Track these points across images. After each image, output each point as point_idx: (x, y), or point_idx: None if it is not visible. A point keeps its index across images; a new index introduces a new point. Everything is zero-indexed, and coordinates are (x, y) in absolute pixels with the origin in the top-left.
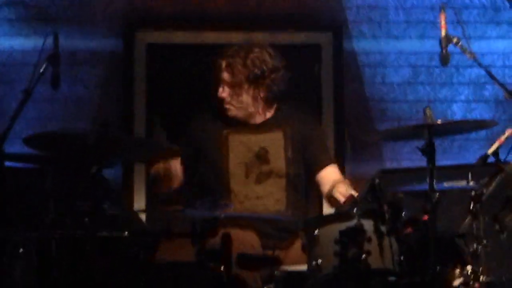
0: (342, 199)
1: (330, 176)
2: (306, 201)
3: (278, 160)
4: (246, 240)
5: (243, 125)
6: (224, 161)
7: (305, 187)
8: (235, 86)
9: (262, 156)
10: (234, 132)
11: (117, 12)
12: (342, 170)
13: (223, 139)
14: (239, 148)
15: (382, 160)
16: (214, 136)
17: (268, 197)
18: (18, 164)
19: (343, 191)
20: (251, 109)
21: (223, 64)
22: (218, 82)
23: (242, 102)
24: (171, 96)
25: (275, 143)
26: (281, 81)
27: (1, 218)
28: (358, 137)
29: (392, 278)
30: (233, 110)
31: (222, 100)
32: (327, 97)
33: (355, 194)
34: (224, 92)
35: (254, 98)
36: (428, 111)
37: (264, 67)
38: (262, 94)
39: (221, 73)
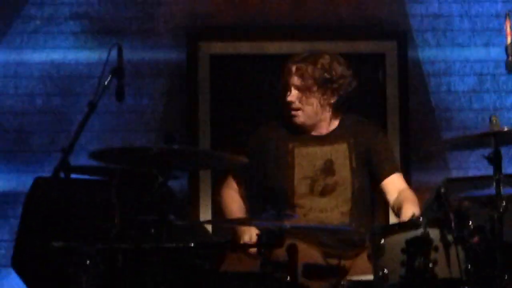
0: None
1: (395, 184)
2: (371, 213)
3: (343, 171)
4: (311, 251)
5: (308, 137)
6: (289, 176)
7: (370, 198)
8: (304, 90)
9: (327, 169)
10: (299, 145)
11: (180, 23)
12: (408, 179)
13: (289, 153)
14: (304, 162)
15: (448, 169)
16: (280, 150)
17: (333, 210)
18: (84, 176)
19: (409, 215)
20: (318, 116)
21: (293, 68)
22: (287, 87)
23: (310, 108)
24: (236, 107)
25: (340, 155)
26: (349, 88)
27: (67, 230)
28: (424, 146)
29: None
30: (301, 117)
31: (289, 106)
32: (392, 106)
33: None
34: (292, 96)
35: (322, 104)
36: (494, 119)
37: (334, 73)
38: (330, 100)
39: (291, 77)
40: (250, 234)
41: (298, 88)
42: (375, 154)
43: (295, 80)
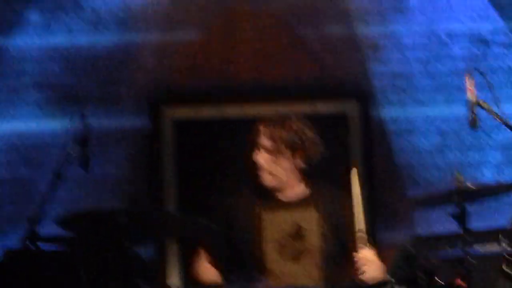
0: None
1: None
2: (343, 275)
3: (313, 237)
4: None
5: (275, 201)
6: (258, 240)
7: (345, 260)
8: (273, 152)
9: (296, 234)
10: (267, 209)
11: (142, 89)
12: (373, 237)
13: (256, 217)
14: (272, 226)
15: (413, 226)
16: (247, 214)
17: (304, 276)
18: (52, 246)
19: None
20: (286, 179)
21: (264, 130)
22: (255, 147)
23: (278, 170)
24: (201, 171)
25: (309, 221)
26: (317, 152)
27: None
28: (389, 204)
29: None
30: (268, 179)
31: (257, 166)
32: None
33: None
34: (262, 158)
35: (291, 167)
36: (458, 176)
37: (303, 137)
38: (299, 165)
39: (260, 139)
40: None
41: (268, 150)
42: (349, 223)
43: (265, 142)
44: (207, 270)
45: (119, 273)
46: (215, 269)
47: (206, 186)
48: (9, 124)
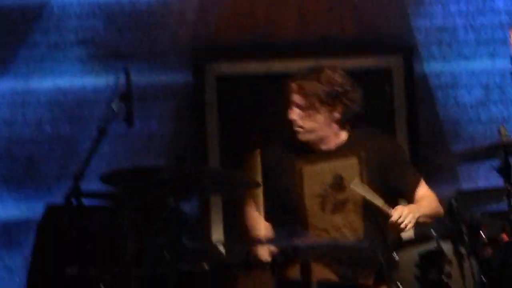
0: None
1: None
2: (385, 227)
3: None
4: (325, 271)
5: (315, 153)
6: (299, 196)
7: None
8: (306, 108)
9: (337, 185)
10: (307, 163)
11: (186, 45)
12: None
13: (297, 173)
14: (313, 180)
15: (458, 181)
16: (287, 171)
17: (346, 227)
18: (96, 202)
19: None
20: (323, 132)
21: (294, 86)
22: (289, 105)
23: (314, 125)
24: (244, 128)
25: (349, 170)
26: (353, 102)
27: (81, 256)
28: (433, 159)
29: None
30: (305, 134)
31: (292, 123)
32: (401, 121)
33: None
34: (295, 114)
35: (326, 121)
36: (503, 130)
37: (337, 88)
38: (334, 116)
39: (292, 96)
40: (264, 253)
41: (300, 106)
42: (393, 171)
43: (297, 98)
44: (259, 223)
45: (162, 230)
46: (265, 221)
47: (249, 143)
48: (52, 81)
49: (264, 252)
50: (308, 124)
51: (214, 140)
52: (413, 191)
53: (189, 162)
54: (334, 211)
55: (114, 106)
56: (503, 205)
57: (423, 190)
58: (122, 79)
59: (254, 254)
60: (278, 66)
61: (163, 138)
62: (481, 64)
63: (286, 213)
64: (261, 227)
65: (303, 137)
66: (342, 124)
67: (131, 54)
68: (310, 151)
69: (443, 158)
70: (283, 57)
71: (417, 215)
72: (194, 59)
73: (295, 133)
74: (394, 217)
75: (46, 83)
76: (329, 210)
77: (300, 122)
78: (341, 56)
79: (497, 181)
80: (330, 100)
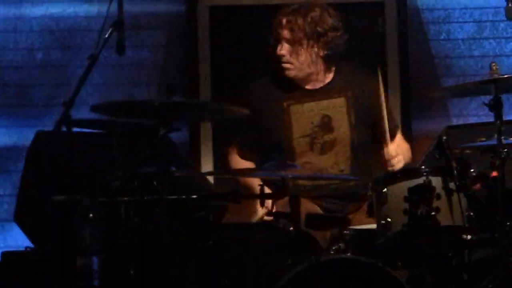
0: None
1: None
2: (372, 168)
3: (342, 127)
4: (313, 205)
5: (303, 92)
6: (287, 135)
7: (371, 154)
8: (294, 43)
9: (325, 125)
10: (294, 102)
11: None
12: (409, 127)
13: (285, 112)
14: (301, 119)
15: (448, 116)
16: (275, 109)
17: (333, 168)
18: (86, 130)
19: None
20: (310, 69)
21: (283, 21)
22: (278, 40)
23: (301, 60)
24: (236, 59)
25: (337, 110)
26: (340, 41)
27: (69, 183)
28: (424, 94)
29: (462, 235)
30: (292, 70)
31: (280, 59)
32: (392, 54)
33: None
34: (283, 49)
35: (313, 57)
36: (494, 66)
37: (324, 26)
38: (321, 53)
39: (281, 30)
40: (252, 185)
41: (288, 41)
42: (378, 114)
43: (285, 33)
44: (240, 165)
45: (152, 159)
46: (247, 162)
47: (241, 74)
48: (44, 8)
49: (253, 184)
50: (295, 59)
51: (206, 70)
52: (392, 140)
53: (179, 92)
54: (322, 151)
55: (105, 34)
56: (493, 141)
57: (399, 140)
58: (114, 8)
59: (243, 185)
60: None
61: (154, 67)
62: None
63: (274, 152)
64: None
65: (290, 73)
66: (328, 62)
67: None
68: (298, 89)
69: (434, 93)
70: None
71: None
72: None
73: (282, 69)
74: (391, 151)
75: (38, 9)
76: (317, 149)
77: (288, 58)
78: None
79: (487, 117)
80: (317, 38)
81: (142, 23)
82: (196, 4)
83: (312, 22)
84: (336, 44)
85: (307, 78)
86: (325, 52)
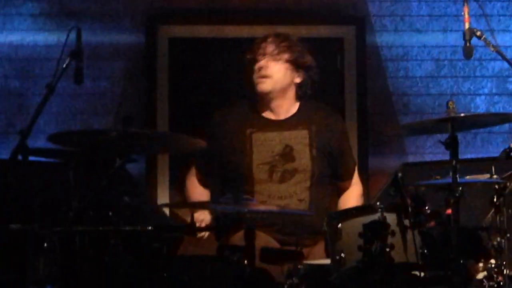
0: None
1: (349, 202)
2: (330, 201)
3: (303, 158)
4: (268, 238)
5: (266, 121)
6: (248, 162)
7: (330, 187)
8: (276, 57)
9: (287, 155)
10: (257, 130)
11: (139, 6)
12: (365, 164)
13: (247, 139)
14: (262, 147)
15: (405, 154)
16: (237, 136)
17: (292, 197)
18: (42, 159)
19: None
20: (282, 92)
21: (270, 38)
22: (259, 55)
23: (279, 74)
24: (194, 91)
25: (300, 141)
26: (312, 78)
27: (25, 212)
28: (381, 130)
29: (416, 272)
30: (268, 83)
31: (258, 72)
32: (350, 90)
33: None
34: (265, 62)
35: (289, 80)
36: (451, 105)
37: (305, 60)
38: (296, 80)
39: (266, 45)
40: (204, 217)
41: (271, 54)
42: (338, 150)
43: (270, 48)
44: (196, 189)
45: (109, 189)
46: (204, 188)
47: (198, 106)
48: (3, 36)
49: (205, 216)
50: (273, 72)
51: (164, 101)
52: (349, 179)
53: (136, 124)
54: (282, 180)
55: (64, 63)
56: (449, 179)
57: (355, 179)
58: (73, 37)
59: (196, 218)
60: (230, 31)
61: (112, 97)
62: (433, 38)
63: (233, 178)
64: (198, 195)
65: (266, 86)
66: (298, 93)
67: (84, 13)
68: (261, 119)
69: (391, 130)
70: (236, 23)
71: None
72: (147, 21)
73: (257, 84)
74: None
75: None
76: (276, 178)
77: (266, 70)
78: (294, 24)
79: (443, 155)
80: (296, 64)
81: (101, 54)
82: (155, 35)
83: (296, 51)
84: (309, 79)
85: (276, 96)
86: (300, 80)
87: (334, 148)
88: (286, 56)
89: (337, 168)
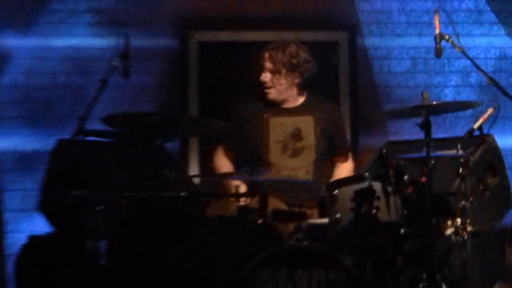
0: None
1: (342, 173)
2: (329, 172)
3: (309, 138)
4: (278, 202)
5: (280, 109)
6: (265, 140)
7: (328, 161)
8: (275, 73)
9: (296, 135)
10: (273, 115)
11: (174, 16)
12: (356, 142)
13: (265, 121)
14: (277, 129)
15: (388, 134)
16: (257, 119)
17: (301, 168)
18: (97, 138)
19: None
20: (287, 93)
21: (266, 55)
22: (260, 70)
23: (280, 86)
24: (219, 84)
25: (307, 125)
26: (310, 71)
27: (84, 181)
28: (369, 115)
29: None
30: (272, 93)
31: (263, 85)
32: (344, 85)
33: None
34: (266, 77)
35: (289, 83)
36: (425, 95)
37: (299, 58)
38: (296, 81)
39: (264, 62)
40: (240, 184)
41: (270, 71)
42: (335, 132)
43: (268, 64)
44: (223, 162)
45: (151, 163)
46: (229, 162)
47: (223, 96)
48: (67, 40)
49: (240, 184)
50: (275, 85)
51: (195, 93)
52: (343, 155)
53: (173, 110)
54: (293, 155)
55: (115, 62)
56: (423, 154)
57: (348, 155)
58: (122, 41)
59: (228, 186)
60: (247, 35)
61: (152, 90)
62: (410, 41)
63: (254, 153)
64: (225, 167)
65: (270, 96)
66: (300, 88)
67: (131, 21)
68: (276, 107)
69: (377, 115)
70: (251, 29)
71: None
72: (180, 28)
73: (263, 93)
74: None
75: (61, 42)
76: (288, 154)
77: (269, 84)
78: (298, 30)
79: (419, 134)
80: (293, 68)
81: (144, 54)
82: (187, 40)
83: (289, 56)
84: (307, 73)
85: (283, 100)
86: (299, 80)
87: (332, 130)
88: (282, 68)
89: (334, 146)
